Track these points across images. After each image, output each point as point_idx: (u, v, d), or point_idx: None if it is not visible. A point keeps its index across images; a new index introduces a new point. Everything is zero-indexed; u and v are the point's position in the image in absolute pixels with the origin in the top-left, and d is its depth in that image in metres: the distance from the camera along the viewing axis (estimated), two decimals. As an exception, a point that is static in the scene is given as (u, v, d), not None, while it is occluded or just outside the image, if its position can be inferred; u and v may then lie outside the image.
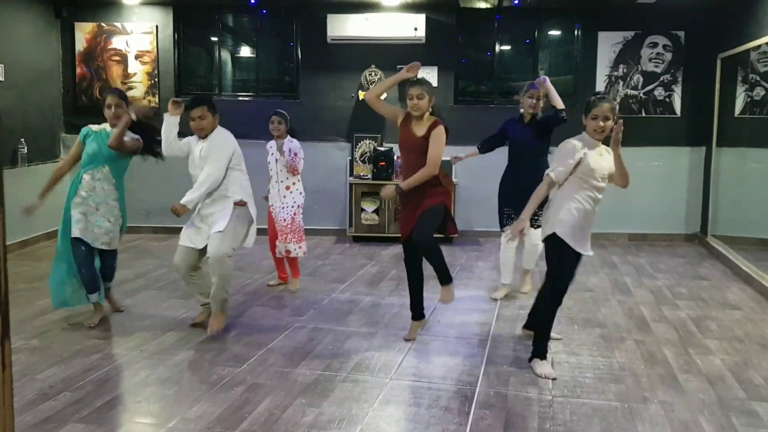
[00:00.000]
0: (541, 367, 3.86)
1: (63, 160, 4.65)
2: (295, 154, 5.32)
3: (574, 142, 3.79)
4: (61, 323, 4.69)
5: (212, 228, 4.38)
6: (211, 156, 4.40)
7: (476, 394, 3.58)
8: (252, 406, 3.40)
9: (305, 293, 5.51)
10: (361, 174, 7.71)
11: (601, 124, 3.70)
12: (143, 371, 3.87)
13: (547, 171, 3.90)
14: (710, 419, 3.31)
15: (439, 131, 4.06)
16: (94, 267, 4.63)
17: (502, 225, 5.26)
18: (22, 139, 7.12)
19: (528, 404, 3.47)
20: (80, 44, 7.84)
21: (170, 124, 4.51)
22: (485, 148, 5.38)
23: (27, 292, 5.48)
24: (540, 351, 3.92)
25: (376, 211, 7.57)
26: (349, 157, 7.85)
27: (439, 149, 4.06)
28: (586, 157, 3.74)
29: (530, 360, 3.95)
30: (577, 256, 3.90)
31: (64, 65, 7.90)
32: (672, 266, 6.53)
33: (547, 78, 5.02)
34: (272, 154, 5.46)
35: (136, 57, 7.85)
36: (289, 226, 5.39)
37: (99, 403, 3.44)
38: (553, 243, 3.85)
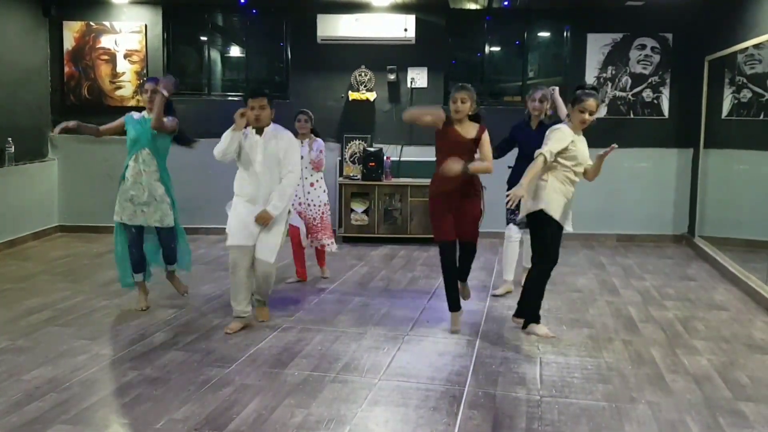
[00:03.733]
0: (539, 328, 4.36)
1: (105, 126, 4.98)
2: (321, 151, 5.59)
3: (565, 130, 4.17)
4: (48, 324, 4.66)
5: (267, 233, 4.48)
6: (289, 160, 4.47)
7: (465, 395, 3.59)
8: (240, 407, 3.39)
9: (294, 293, 5.50)
10: (351, 174, 7.71)
11: (587, 117, 4.13)
12: (131, 372, 3.85)
13: (540, 151, 4.12)
14: (697, 419, 3.33)
15: (487, 135, 4.45)
16: (142, 249, 4.93)
17: (507, 222, 5.42)
18: (9, 139, 7.06)
19: (516, 404, 3.48)
20: (68, 43, 7.79)
21: (234, 138, 4.39)
22: (498, 153, 5.32)
23: (14, 291, 5.44)
24: (535, 317, 4.46)
25: (365, 212, 7.57)
26: (339, 158, 7.85)
27: (489, 148, 4.43)
28: (573, 144, 4.15)
29: (525, 327, 4.40)
30: (561, 233, 4.28)
31: (53, 64, 7.84)
32: (659, 267, 6.57)
33: (557, 89, 5.27)
34: None
35: (125, 56, 7.81)
36: (320, 224, 5.66)
37: (86, 404, 3.42)
38: (540, 220, 4.22)
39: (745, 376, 3.87)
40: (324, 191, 5.73)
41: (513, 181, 5.21)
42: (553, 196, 4.18)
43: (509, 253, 5.45)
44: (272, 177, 4.45)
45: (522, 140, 5.25)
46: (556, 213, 4.19)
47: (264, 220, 4.40)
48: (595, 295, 5.56)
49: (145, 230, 4.91)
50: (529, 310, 4.46)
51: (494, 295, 5.45)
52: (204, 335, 4.47)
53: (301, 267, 5.78)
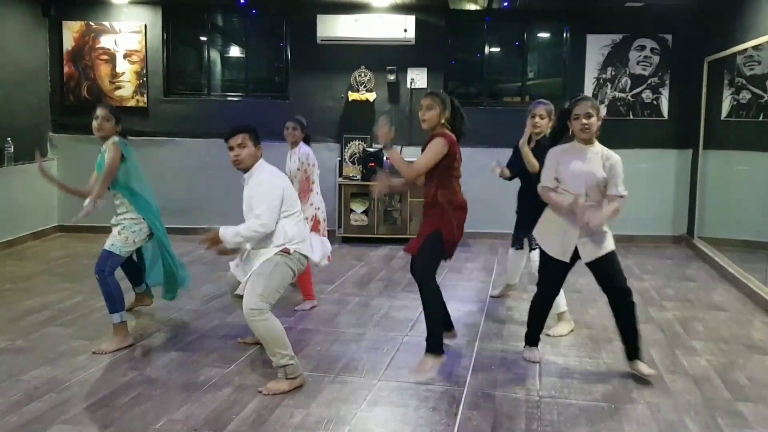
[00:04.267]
0: (529, 352, 4.11)
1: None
2: (302, 162, 5.07)
3: (553, 150, 3.86)
4: (47, 324, 4.66)
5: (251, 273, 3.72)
6: (255, 204, 3.71)
7: (464, 395, 3.59)
8: (240, 407, 3.39)
9: (294, 294, 5.49)
10: (351, 175, 7.71)
11: (584, 121, 3.69)
12: (130, 372, 3.85)
13: (538, 186, 3.91)
14: (696, 419, 3.34)
15: (435, 141, 3.83)
16: (132, 265, 4.82)
17: (512, 243, 5.13)
18: (9, 139, 7.06)
19: (515, 405, 3.48)
20: (68, 43, 7.79)
21: None
22: (512, 174, 4.96)
23: (13, 292, 5.44)
24: (530, 339, 4.14)
25: (365, 212, 7.57)
26: (339, 158, 7.85)
27: (427, 158, 3.82)
28: (561, 164, 3.78)
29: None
30: (561, 265, 3.83)
31: (52, 64, 7.84)
32: (659, 268, 6.57)
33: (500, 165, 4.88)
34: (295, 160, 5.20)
35: (125, 56, 7.81)
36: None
37: (85, 404, 3.42)
38: (540, 250, 3.94)
39: (744, 377, 3.87)
40: (315, 207, 5.17)
41: (520, 205, 4.91)
42: (542, 226, 3.91)
43: (514, 265, 5.19)
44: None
45: (518, 160, 4.74)
46: (546, 245, 3.86)
47: (209, 240, 3.70)
48: (594, 295, 5.54)
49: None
50: (530, 334, 4.12)
51: (492, 296, 5.44)
52: (203, 335, 4.48)
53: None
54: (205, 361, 4.01)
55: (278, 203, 3.73)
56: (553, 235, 3.85)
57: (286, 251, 3.74)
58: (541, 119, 4.63)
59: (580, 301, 5.38)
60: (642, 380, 3.79)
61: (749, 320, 4.95)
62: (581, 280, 5.98)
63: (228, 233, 3.65)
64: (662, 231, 7.76)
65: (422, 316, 4.06)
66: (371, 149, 7.59)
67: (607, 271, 3.85)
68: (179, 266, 4.71)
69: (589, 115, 3.70)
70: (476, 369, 3.96)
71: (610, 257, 3.85)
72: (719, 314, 5.09)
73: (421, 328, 4.63)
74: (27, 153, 7.42)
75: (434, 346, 3.89)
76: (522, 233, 5.00)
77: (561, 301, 4.57)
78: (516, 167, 4.84)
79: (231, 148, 3.78)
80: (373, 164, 7.45)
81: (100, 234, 7.69)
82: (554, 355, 4.18)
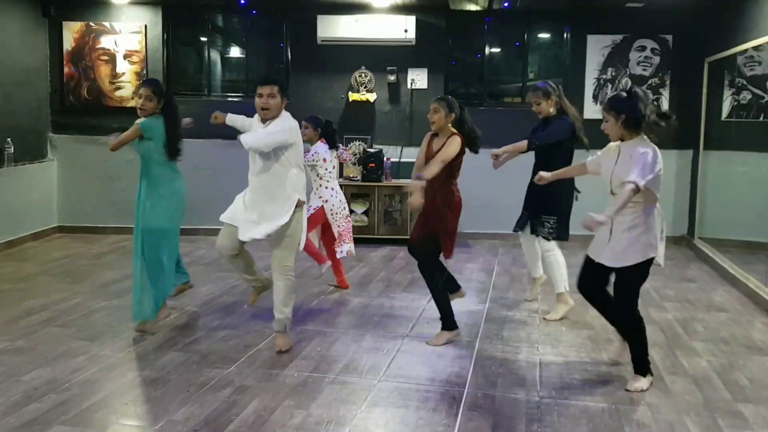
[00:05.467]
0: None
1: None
2: (310, 154, 5.39)
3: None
4: (47, 324, 4.66)
5: (272, 228, 4.03)
6: (271, 128, 4.05)
7: (464, 396, 3.58)
8: (239, 408, 3.39)
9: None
10: (351, 176, 7.70)
11: (601, 127, 3.73)
12: (130, 373, 3.85)
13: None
14: (696, 420, 3.33)
15: (452, 140, 4.21)
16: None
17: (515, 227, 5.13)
18: (9, 139, 7.06)
19: (516, 406, 3.48)
20: (68, 43, 7.78)
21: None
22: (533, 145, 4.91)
23: (13, 292, 5.44)
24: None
25: (365, 213, 7.56)
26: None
27: (445, 154, 4.15)
28: (593, 162, 3.91)
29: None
30: (595, 265, 3.76)
31: (52, 64, 7.84)
32: (659, 268, 6.53)
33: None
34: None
35: (125, 57, 7.80)
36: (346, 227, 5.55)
37: (85, 404, 3.41)
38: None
39: (744, 378, 3.86)
40: (324, 200, 5.45)
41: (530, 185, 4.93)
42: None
43: (529, 255, 5.21)
44: (273, 168, 4.09)
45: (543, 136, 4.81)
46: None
47: (216, 117, 4.52)
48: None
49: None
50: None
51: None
52: (203, 336, 4.47)
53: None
54: (205, 362, 4.01)
55: (282, 138, 4.01)
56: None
57: (300, 204, 4.14)
58: (537, 105, 4.82)
59: (581, 301, 5.35)
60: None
61: (749, 321, 4.95)
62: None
63: (231, 116, 4.53)
64: (662, 231, 7.74)
65: (422, 316, 4.48)
66: (371, 150, 7.58)
67: (615, 284, 3.74)
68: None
69: (604, 120, 3.69)
70: (476, 370, 3.95)
71: (622, 273, 3.65)
72: (719, 315, 5.08)
73: (422, 329, 4.65)
74: (27, 153, 7.43)
75: (448, 324, 4.39)
76: (526, 215, 5.00)
77: (537, 265, 5.13)
78: (541, 140, 4.78)
79: (260, 96, 4.09)
80: (373, 164, 7.45)
81: (100, 234, 7.74)
82: (554, 356, 4.18)
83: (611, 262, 3.67)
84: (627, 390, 3.65)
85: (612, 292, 3.80)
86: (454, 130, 4.28)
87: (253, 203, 4.17)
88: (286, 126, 4.09)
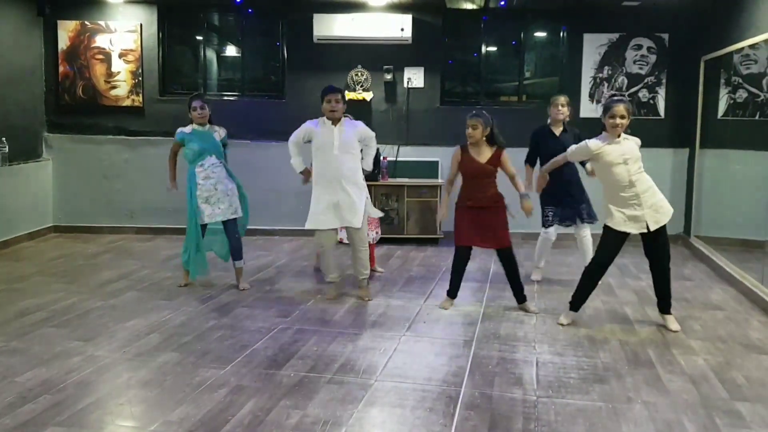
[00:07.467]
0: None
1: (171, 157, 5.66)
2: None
3: (589, 143, 4.54)
4: (42, 325, 4.64)
5: (355, 208, 5.11)
6: (369, 137, 5.29)
7: (461, 395, 3.58)
8: (236, 409, 3.38)
9: (290, 294, 5.49)
10: (347, 174, 7.68)
11: (618, 122, 4.47)
12: (125, 373, 3.83)
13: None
14: (693, 419, 3.33)
15: (506, 156, 4.94)
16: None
17: (544, 225, 5.74)
18: (3, 139, 7.03)
19: (513, 405, 3.47)
20: (63, 42, 7.76)
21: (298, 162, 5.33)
22: (532, 163, 5.78)
23: (8, 293, 5.42)
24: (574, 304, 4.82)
25: (362, 212, 7.54)
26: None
27: (511, 167, 4.93)
28: (602, 154, 4.49)
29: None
30: (619, 237, 4.59)
31: (47, 63, 7.81)
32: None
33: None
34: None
35: (120, 56, 7.78)
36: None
37: (80, 405, 3.40)
38: (605, 226, 4.64)
39: (741, 376, 3.87)
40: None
41: (547, 189, 5.22)
42: (611, 210, 4.63)
43: (543, 248, 5.86)
44: (349, 158, 5.10)
45: (546, 152, 5.35)
46: (615, 224, 4.61)
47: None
48: (591, 295, 5.54)
49: (208, 230, 5.56)
50: (576, 302, 4.81)
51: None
52: (199, 336, 4.46)
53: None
54: (201, 362, 3.99)
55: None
56: (619, 215, 4.67)
57: None
58: (562, 107, 5.57)
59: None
60: (640, 380, 3.79)
61: (746, 319, 4.95)
62: (577, 280, 5.97)
63: (369, 162, 5.41)
64: (659, 230, 7.74)
65: (418, 315, 4.74)
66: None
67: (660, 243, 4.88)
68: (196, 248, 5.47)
69: (622, 117, 4.51)
70: (473, 369, 3.94)
71: (663, 229, 4.92)
72: (716, 313, 5.08)
73: (419, 329, 4.64)
74: (22, 153, 7.40)
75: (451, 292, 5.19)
76: (570, 210, 5.66)
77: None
78: (542, 154, 5.50)
79: (329, 101, 5.08)
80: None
81: (95, 234, 7.72)
82: (551, 355, 4.17)
83: (657, 225, 4.71)
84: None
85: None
86: (495, 145, 4.92)
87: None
88: (371, 133, 5.37)
